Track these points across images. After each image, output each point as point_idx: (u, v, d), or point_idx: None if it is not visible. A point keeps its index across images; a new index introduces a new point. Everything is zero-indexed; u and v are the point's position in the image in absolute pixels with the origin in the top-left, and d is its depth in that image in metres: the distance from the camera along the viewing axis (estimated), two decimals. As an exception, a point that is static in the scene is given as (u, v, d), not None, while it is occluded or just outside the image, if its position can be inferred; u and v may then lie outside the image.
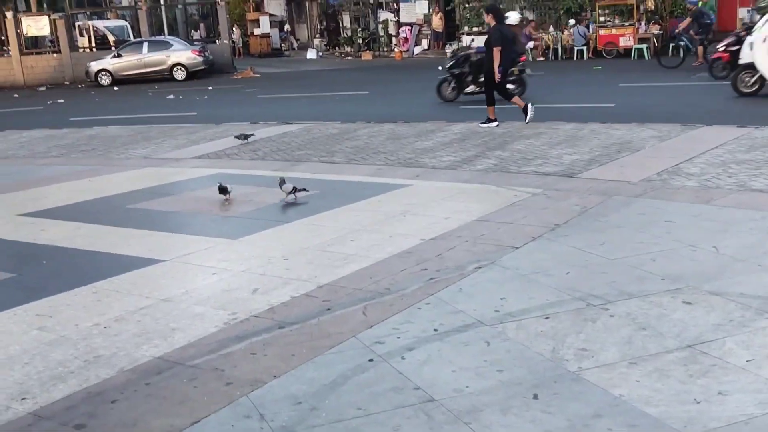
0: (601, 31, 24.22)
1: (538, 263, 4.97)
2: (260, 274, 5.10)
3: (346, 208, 6.84)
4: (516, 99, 11.42)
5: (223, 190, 7.38)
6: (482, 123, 11.18)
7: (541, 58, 25.25)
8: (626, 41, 23.67)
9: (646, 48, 23.23)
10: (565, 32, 25.20)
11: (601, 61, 23.19)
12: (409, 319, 4.17)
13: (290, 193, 7.21)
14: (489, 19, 11.13)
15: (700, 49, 18.76)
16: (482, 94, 11.98)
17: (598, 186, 7.08)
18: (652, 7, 24.47)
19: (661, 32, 24.21)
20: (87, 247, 6.08)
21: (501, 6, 28.27)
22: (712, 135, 9.40)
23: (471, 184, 7.62)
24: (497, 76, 10.89)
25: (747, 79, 12.86)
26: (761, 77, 12.58)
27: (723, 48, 14.97)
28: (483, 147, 9.57)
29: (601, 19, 24.73)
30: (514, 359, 3.63)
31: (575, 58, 24.44)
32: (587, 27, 25.10)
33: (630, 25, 23.75)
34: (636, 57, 23.11)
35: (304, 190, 7.28)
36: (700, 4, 19.79)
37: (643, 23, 24.01)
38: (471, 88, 14.09)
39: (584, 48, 24.52)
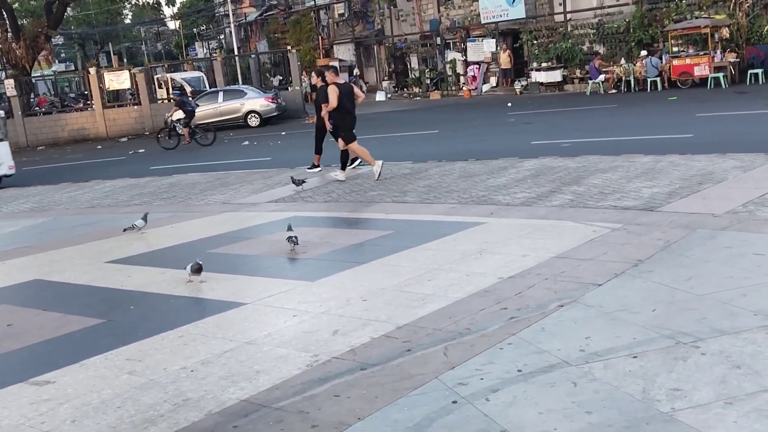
0: (675, 62, 23.77)
1: (623, 300, 4.85)
2: (339, 316, 5.14)
3: (422, 248, 6.84)
4: (317, 158, 12.98)
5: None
6: (309, 168, 13.03)
7: (613, 91, 24.93)
8: (701, 70, 23.14)
9: (723, 76, 22.67)
10: (638, 64, 24.85)
11: (676, 91, 22.74)
12: (491, 359, 4.11)
13: (290, 241, 7.17)
14: (318, 81, 12.73)
15: (186, 130, 21.40)
16: None
17: (681, 219, 6.89)
18: (728, 35, 23.91)
19: (738, 60, 23.61)
20: (171, 291, 6.25)
21: (570, 42, 28.21)
22: (798, 163, 9.06)
23: (547, 220, 7.52)
24: (328, 126, 12.16)
25: None
26: None
27: None
28: (558, 182, 9.46)
29: (675, 49, 24.31)
30: (603, 400, 3.53)
31: (649, 90, 24.05)
32: (660, 58, 24.70)
33: (705, 54, 23.25)
34: (712, 86, 22.57)
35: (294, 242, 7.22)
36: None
37: (718, 52, 23.46)
38: None
39: (658, 79, 24.11)
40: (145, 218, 8.99)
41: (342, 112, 11.48)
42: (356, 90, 12.09)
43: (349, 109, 11.55)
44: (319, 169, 12.93)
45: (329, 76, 11.87)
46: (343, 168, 11.79)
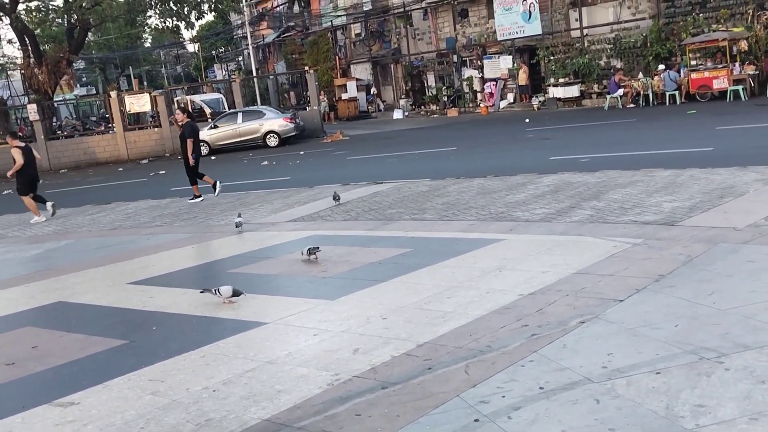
0: (693, 75, 23.68)
1: (645, 316, 4.81)
2: (360, 334, 5.14)
3: (441, 265, 6.84)
4: (206, 177, 14.18)
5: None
6: (190, 199, 13.99)
7: (632, 105, 24.85)
8: (720, 83, 23.03)
9: (742, 89, 22.53)
10: (656, 78, 24.77)
11: (695, 104, 22.63)
12: (513, 377, 4.09)
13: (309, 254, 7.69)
14: (182, 117, 14.13)
15: None
16: None
17: (702, 234, 6.83)
18: (746, 48, 23.79)
19: (757, 72, 23.47)
20: (192, 312, 6.29)
21: (587, 57, 28.18)
22: (821, 175, 8.97)
23: (567, 236, 7.49)
24: (191, 161, 13.74)
25: None
26: None
27: None
28: (577, 198, 9.43)
29: (693, 62, 24.21)
30: (626, 417, 3.50)
31: (667, 104, 23.94)
32: (678, 71, 24.61)
33: (723, 66, 23.13)
34: (732, 99, 22.43)
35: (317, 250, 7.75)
36: None
37: (737, 64, 23.34)
38: None
39: (676, 93, 24.01)
40: (239, 215, 10.54)
41: (24, 167, 13.76)
42: (35, 153, 14.37)
43: (30, 166, 13.91)
44: (200, 198, 13.93)
45: (9, 140, 14.28)
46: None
